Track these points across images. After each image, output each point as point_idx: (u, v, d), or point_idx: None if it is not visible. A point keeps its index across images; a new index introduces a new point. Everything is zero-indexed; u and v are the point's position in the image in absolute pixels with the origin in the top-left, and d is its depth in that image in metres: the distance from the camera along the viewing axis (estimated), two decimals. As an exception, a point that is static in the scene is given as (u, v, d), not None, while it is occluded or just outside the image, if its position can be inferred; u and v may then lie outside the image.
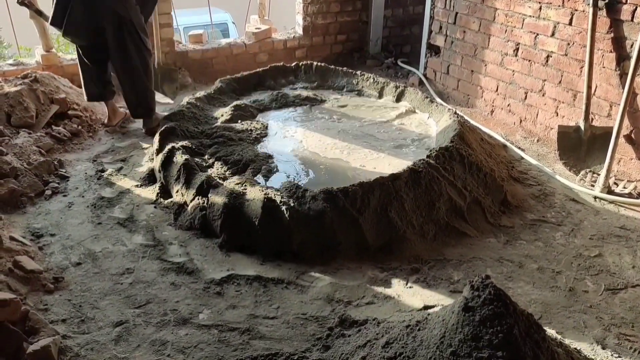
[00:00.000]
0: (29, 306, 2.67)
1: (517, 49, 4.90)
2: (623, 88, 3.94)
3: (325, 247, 3.26)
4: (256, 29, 6.50)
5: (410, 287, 3.05)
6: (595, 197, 3.94)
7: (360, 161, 4.02)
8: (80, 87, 5.00)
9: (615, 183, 4.07)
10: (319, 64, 5.57)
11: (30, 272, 2.93)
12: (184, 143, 4.04)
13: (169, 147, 3.92)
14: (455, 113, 4.48)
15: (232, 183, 3.56)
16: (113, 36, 4.36)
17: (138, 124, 5.04)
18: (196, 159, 3.91)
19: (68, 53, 6.85)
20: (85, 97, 4.79)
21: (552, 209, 3.82)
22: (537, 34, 4.69)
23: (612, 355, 2.61)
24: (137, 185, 3.96)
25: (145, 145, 4.58)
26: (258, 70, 5.40)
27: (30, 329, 2.53)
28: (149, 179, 4.01)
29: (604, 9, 4.10)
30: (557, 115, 4.69)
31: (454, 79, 5.70)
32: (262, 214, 3.24)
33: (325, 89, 5.35)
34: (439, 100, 5.54)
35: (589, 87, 4.23)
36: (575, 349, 2.57)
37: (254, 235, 3.28)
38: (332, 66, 5.59)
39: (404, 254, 3.29)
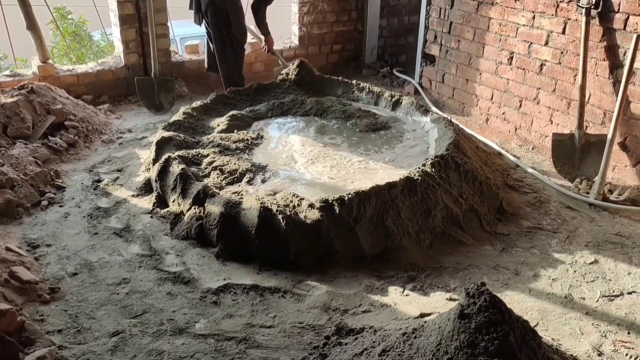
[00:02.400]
0: (25, 317, 2.66)
1: (512, 58, 4.94)
2: (616, 96, 3.98)
3: (321, 255, 3.27)
4: (252, 39, 6.52)
5: (406, 295, 3.05)
6: (590, 204, 3.96)
7: (351, 167, 4.04)
8: (77, 97, 5.35)
9: (610, 190, 4.09)
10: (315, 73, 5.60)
11: (26, 282, 2.92)
12: (180, 153, 4.05)
13: (165, 156, 3.93)
14: (451, 122, 4.50)
15: (228, 192, 3.56)
16: (210, 23, 5.36)
17: (134, 134, 5.07)
18: (192, 169, 3.92)
19: (64, 64, 6.88)
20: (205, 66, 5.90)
21: (547, 217, 3.84)
22: (531, 43, 4.73)
23: (608, 361, 2.62)
24: (133, 195, 3.96)
25: (141, 155, 4.58)
26: (253, 82, 5.43)
27: (26, 339, 2.52)
28: (146, 188, 4.01)
29: (597, 18, 4.14)
30: (552, 123, 4.72)
31: (449, 88, 5.74)
32: (258, 223, 3.25)
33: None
34: (434, 109, 5.56)
35: (583, 95, 4.26)
36: (572, 355, 2.57)
37: (251, 244, 3.28)
38: (328, 75, 5.62)
39: (400, 262, 3.29)
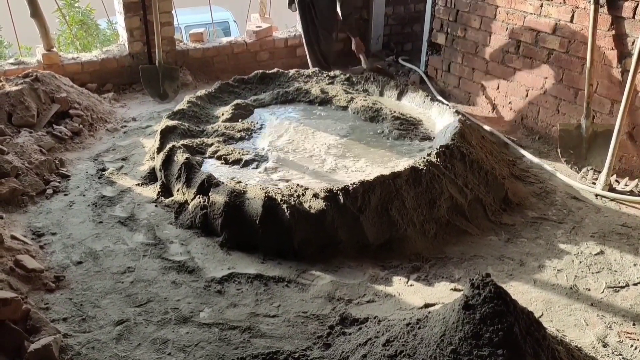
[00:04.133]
0: (30, 305, 2.67)
1: (519, 47, 4.89)
2: (624, 85, 3.93)
3: (326, 245, 3.27)
4: (257, 27, 6.50)
5: (411, 285, 3.05)
6: (596, 195, 3.93)
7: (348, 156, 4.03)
8: (81, 86, 5.33)
9: (616, 181, 4.06)
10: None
11: (32, 271, 2.94)
12: (184, 142, 4.05)
13: (169, 146, 3.92)
14: (457, 111, 4.47)
15: (232, 182, 3.56)
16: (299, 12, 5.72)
17: (139, 122, 5.07)
18: (197, 158, 3.91)
19: (69, 52, 6.87)
20: None
21: (553, 207, 3.82)
22: (539, 32, 4.68)
23: (613, 353, 2.60)
24: (138, 184, 3.96)
25: (146, 144, 4.58)
26: (258, 71, 5.41)
27: (31, 327, 2.53)
28: (150, 177, 4.01)
29: (605, 6, 4.09)
30: (559, 112, 4.68)
31: (455, 77, 5.69)
32: (262, 213, 3.25)
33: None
34: (440, 98, 5.53)
35: (590, 84, 4.22)
36: (576, 346, 2.57)
37: (255, 233, 3.28)
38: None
39: (404, 252, 3.29)
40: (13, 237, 3.19)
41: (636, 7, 3.91)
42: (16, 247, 3.09)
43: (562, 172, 4.22)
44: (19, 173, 3.77)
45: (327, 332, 2.64)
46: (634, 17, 3.94)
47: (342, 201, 3.24)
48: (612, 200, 3.88)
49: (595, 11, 4.08)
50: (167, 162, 3.83)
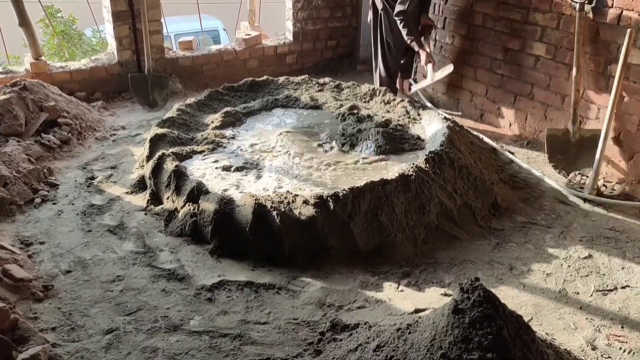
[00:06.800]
0: (18, 315, 2.65)
1: (506, 53, 4.94)
2: (610, 91, 3.98)
3: (316, 251, 3.27)
4: (246, 35, 6.51)
5: (401, 291, 3.05)
6: (584, 199, 3.97)
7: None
8: (70, 94, 5.30)
9: (604, 185, 4.10)
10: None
11: (20, 280, 2.91)
12: (174, 149, 4.04)
13: (159, 153, 3.91)
14: (445, 117, 4.50)
15: (221, 189, 3.55)
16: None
17: (128, 131, 5.05)
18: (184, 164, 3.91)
19: (57, 61, 6.84)
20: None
21: (541, 212, 3.85)
22: (525, 39, 4.73)
23: (602, 356, 2.62)
24: (127, 192, 3.95)
25: (135, 152, 4.57)
26: (247, 79, 5.42)
27: (19, 337, 2.51)
28: (139, 185, 3.99)
29: (591, 13, 4.14)
30: (546, 118, 4.73)
31: (443, 84, 5.73)
32: (252, 220, 3.24)
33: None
34: (429, 105, 5.57)
35: (577, 90, 4.27)
36: (565, 350, 2.58)
37: (245, 241, 3.28)
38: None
39: (395, 258, 3.30)
40: (1, 247, 3.16)
41: (620, 14, 3.97)
42: (4, 257, 3.06)
43: (550, 177, 4.25)
44: (6, 182, 3.74)
45: (318, 338, 2.63)
46: (618, 23, 4.00)
47: (332, 207, 3.25)
48: (600, 204, 3.92)
49: (581, 18, 4.14)
50: (157, 170, 3.82)
